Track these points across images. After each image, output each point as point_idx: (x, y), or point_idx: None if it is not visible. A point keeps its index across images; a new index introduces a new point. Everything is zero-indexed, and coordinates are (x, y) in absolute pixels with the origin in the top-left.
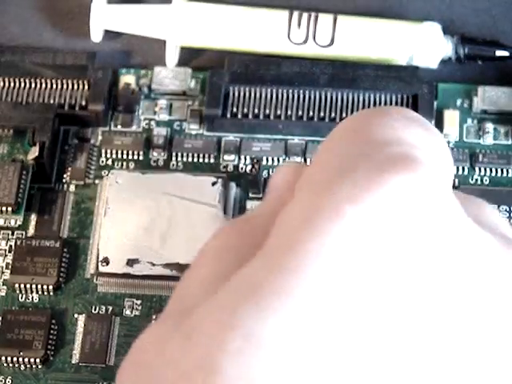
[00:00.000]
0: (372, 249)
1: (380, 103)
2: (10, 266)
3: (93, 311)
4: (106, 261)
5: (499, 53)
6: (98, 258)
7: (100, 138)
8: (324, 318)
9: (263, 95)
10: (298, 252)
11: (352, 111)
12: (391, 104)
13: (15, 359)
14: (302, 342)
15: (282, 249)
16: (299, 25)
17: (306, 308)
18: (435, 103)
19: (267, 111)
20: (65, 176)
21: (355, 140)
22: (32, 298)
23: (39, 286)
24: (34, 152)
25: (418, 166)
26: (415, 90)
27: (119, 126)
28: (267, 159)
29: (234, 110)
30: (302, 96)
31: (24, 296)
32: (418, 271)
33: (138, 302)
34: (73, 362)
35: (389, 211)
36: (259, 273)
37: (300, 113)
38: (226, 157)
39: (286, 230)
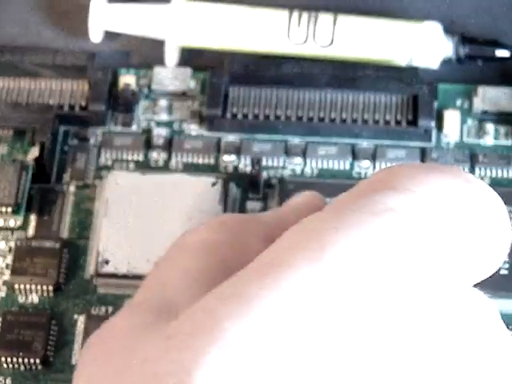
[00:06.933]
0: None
1: (380, 104)
2: (9, 267)
3: (92, 312)
4: (106, 261)
5: (500, 53)
6: (97, 258)
7: (100, 138)
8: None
9: (263, 95)
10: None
11: (352, 111)
12: (391, 104)
13: (15, 360)
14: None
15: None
16: (299, 24)
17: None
18: (435, 104)
19: (267, 112)
20: (64, 176)
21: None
22: (32, 298)
23: (39, 287)
24: (34, 152)
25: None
26: (415, 91)
27: (119, 127)
28: (267, 160)
29: (234, 110)
30: (301, 96)
31: (24, 297)
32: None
33: None
34: (72, 362)
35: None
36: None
37: (300, 113)
38: (226, 157)
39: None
